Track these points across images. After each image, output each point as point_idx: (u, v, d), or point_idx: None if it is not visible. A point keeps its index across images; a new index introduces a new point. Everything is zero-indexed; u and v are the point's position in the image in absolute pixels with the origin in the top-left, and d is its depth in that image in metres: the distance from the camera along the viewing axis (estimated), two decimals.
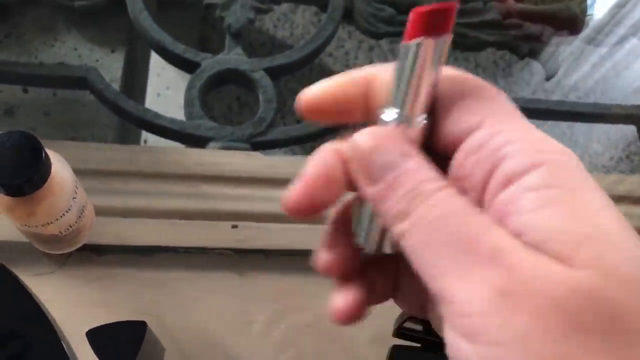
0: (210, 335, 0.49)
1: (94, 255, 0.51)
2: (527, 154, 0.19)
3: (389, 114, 0.21)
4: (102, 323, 0.38)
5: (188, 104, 0.61)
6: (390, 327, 0.37)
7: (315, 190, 0.22)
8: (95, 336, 0.33)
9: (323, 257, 0.24)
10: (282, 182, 0.55)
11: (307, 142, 0.62)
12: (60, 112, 0.61)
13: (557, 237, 0.18)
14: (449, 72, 0.22)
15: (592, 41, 0.83)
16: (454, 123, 0.21)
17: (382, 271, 0.25)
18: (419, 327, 0.36)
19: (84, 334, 0.35)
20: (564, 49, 0.77)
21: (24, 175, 0.34)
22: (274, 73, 0.63)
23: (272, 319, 0.50)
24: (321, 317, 0.50)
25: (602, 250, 0.18)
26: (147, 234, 0.51)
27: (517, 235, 0.19)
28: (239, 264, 0.52)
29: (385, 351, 0.43)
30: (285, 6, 1.02)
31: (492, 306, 0.18)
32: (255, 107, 0.64)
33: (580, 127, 1.05)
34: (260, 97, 0.62)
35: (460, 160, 0.21)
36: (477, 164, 0.20)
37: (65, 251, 0.45)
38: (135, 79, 0.80)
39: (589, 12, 0.71)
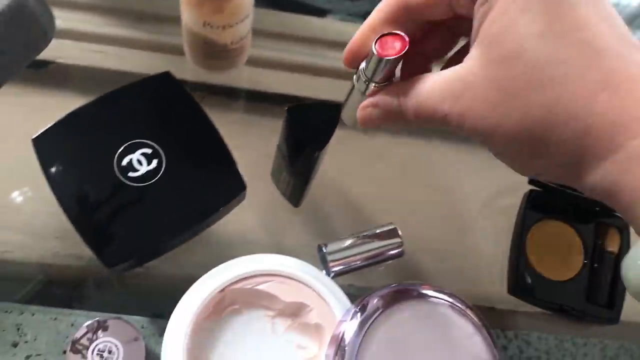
0: (336, 183, 0.52)
1: (229, 99, 0.54)
2: None
3: None
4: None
5: None
6: None
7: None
8: (294, 112, 0.36)
9: None
10: None
11: None
12: None
13: None
14: None
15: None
16: None
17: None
18: None
19: None
20: None
21: None
22: None
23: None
24: None
25: None
26: (280, 84, 0.54)
27: None
28: None
29: None
30: None
31: None
32: None
33: None
34: None
35: None
36: None
37: (221, 70, 0.47)
38: None
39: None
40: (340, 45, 0.58)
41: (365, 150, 0.54)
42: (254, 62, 0.54)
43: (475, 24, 0.27)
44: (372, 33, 0.31)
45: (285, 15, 0.59)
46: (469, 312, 0.40)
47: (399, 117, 0.30)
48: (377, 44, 0.36)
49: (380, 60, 0.37)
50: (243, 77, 0.54)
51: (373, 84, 0.40)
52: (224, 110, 0.53)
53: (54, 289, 0.45)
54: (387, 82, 0.34)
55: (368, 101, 0.32)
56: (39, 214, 0.47)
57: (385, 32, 0.34)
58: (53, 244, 0.46)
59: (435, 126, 0.28)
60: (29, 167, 0.41)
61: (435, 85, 0.27)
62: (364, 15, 0.62)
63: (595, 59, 0.23)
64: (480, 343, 0.39)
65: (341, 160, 0.54)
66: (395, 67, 0.40)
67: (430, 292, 0.40)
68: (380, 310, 0.39)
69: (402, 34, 0.35)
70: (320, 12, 0.62)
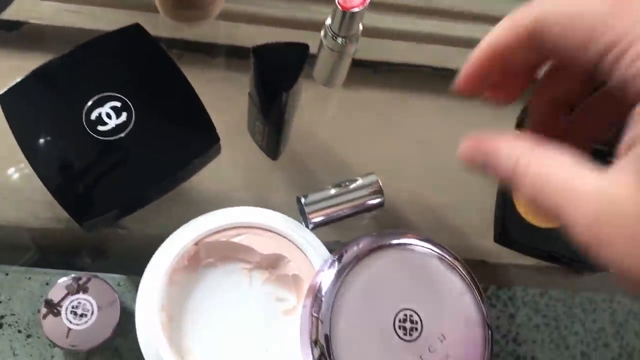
0: (318, 138, 0.51)
1: (208, 57, 0.52)
2: None
3: None
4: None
5: None
6: None
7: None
8: (260, 52, 0.34)
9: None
10: (384, 4, 0.57)
11: None
12: None
13: None
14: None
15: None
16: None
17: None
18: None
19: None
20: None
21: None
22: None
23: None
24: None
25: None
26: (259, 38, 0.53)
27: None
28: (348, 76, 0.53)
29: None
30: None
31: None
32: None
33: None
34: None
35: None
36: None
37: (194, 21, 0.46)
38: None
39: None
40: None
41: (345, 102, 0.53)
42: (231, 16, 0.53)
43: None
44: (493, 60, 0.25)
45: None
46: (458, 265, 0.39)
47: (504, 180, 0.24)
48: None
49: (344, 13, 0.36)
50: (221, 32, 0.53)
51: (340, 39, 0.39)
52: (202, 67, 0.52)
53: (33, 252, 0.45)
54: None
55: (478, 141, 0.25)
56: (14, 176, 0.46)
57: None
58: (31, 207, 0.46)
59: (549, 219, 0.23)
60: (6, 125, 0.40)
61: (571, 190, 0.21)
62: None
63: None
64: (470, 302, 0.38)
65: (320, 113, 0.52)
66: (360, 19, 0.39)
67: (414, 241, 0.39)
68: (359, 259, 0.37)
69: None
70: None
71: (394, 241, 0.38)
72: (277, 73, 0.35)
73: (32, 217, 0.46)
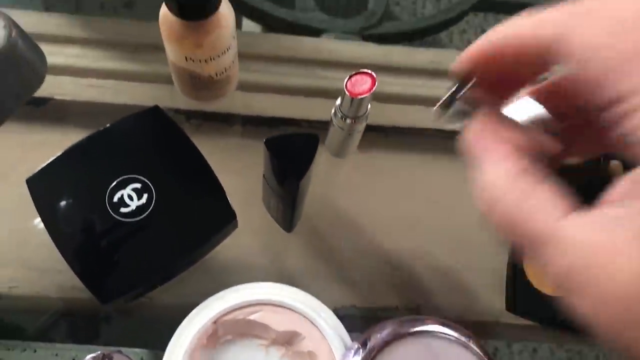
0: (333, 203, 0.53)
1: (225, 125, 0.54)
2: None
3: None
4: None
5: None
6: None
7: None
8: (272, 144, 0.36)
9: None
10: (395, 69, 0.58)
11: (418, 37, 0.64)
12: None
13: None
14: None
15: None
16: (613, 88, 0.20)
17: None
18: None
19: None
20: None
21: None
22: None
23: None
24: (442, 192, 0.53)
25: None
26: (275, 107, 0.55)
27: None
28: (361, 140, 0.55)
29: None
30: None
31: None
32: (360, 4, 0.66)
33: None
34: None
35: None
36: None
37: (210, 100, 0.48)
38: None
39: None
40: (335, 64, 0.58)
41: (357, 165, 0.54)
42: (247, 86, 0.55)
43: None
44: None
45: (278, 36, 0.60)
46: (471, 344, 0.39)
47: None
48: (348, 83, 0.37)
49: (352, 99, 0.38)
50: (237, 102, 0.55)
51: (349, 119, 0.41)
52: (220, 136, 0.54)
53: (59, 321, 0.47)
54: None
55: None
56: (42, 248, 0.48)
57: (354, 72, 0.35)
58: (58, 277, 0.48)
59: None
60: (31, 203, 0.42)
61: (572, 253, 0.20)
62: (358, 32, 0.63)
63: None
64: None
65: (335, 177, 0.54)
66: (368, 103, 0.41)
67: (437, 328, 0.40)
68: (383, 346, 0.39)
69: (371, 73, 0.35)
70: (314, 32, 0.62)
71: (417, 328, 0.39)
72: (289, 163, 0.36)
73: (56, 287, 0.47)
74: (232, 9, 0.42)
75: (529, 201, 0.21)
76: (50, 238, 0.41)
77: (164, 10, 0.41)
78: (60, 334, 0.46)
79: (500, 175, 0.22)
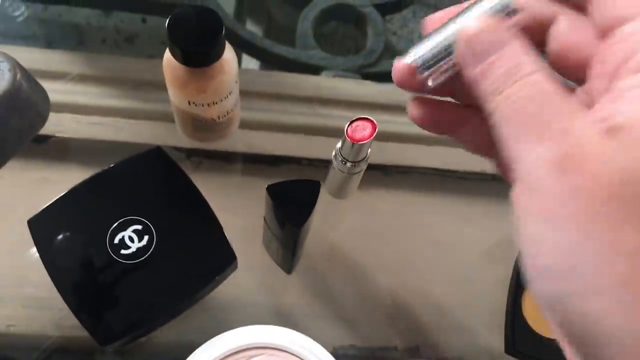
0: (332, 243, 0.53)
1: (225, 163, 0.55)
2: None
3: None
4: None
5: (301, 34, 0.64)
6: None
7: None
8: (274, 191, 0.36)
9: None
10: (394, 108, 0.59)
11: None
12: None
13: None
14: None
15: None
16: (608, 11, 0.21)
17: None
18: None
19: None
20: None
21: (209, 44, 0.38)
22: (382, 9, 0.66)
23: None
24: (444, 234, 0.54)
25: None
26: (275, 145, 0.55)
27: (604, 119, 0.19)
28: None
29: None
30: None
31: (546, 180, 0.19)
32: (359, 43, 0.67)
33: None
34: (370, 31, 0.65)
35: (604, 48, 0.21)
36: (617, 51, 0.20)
37: (212, 141, 0.49)
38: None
39: None
40: (335, 102, 0.59)
41: (359, 205, 0.54)
42: (247, 124, 0.55)
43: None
44: None
45: (278, 74, 0.61)
46: None
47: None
48: (349, 129, 0.38)
49: (353, 144, 0.38)
50: (238, 141, 0.55)
51: (349, 163, 0.42)
52: (221, 174, 0.54)
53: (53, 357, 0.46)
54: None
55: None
56: (42, 286, 0.48)
57: (355, 118, 0.35)
58: (57, 315, 0.47)
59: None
60: (31, 241, 0.42)
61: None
62: (358, 70, 0.63)
63: None
64: None
65: (334, 216, 0.54)
66: (368, 147, 0.41)
67: None
68: None
69: (372, 119, 0.36)
70: (314, 70, 0.62)
71: None
72: (290, 209, 0.36)
73: (54, 326, 0.47)
74: (234, 54, 0.43)
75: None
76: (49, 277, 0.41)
77: (167, 55, 0.41)
78: None
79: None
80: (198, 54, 0.39)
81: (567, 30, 0.23)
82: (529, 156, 0.19)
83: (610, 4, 0.21)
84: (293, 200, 0.36)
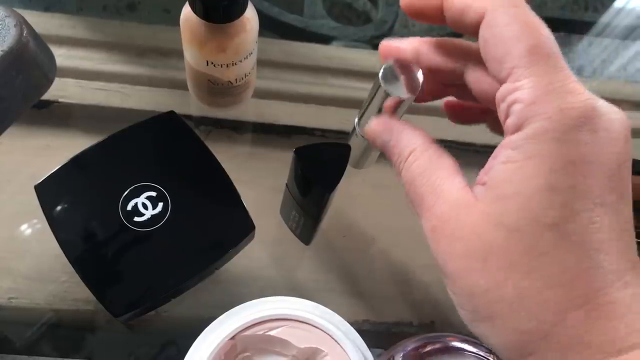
0: (348, 216, 0.51)
1: (235, 133, 0.53)
2: (523, 114, 0.23)
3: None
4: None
5: (310, 3, 0.62)
6: None
7: None
8: (303, 153, 0.35)
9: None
10: None
11: None
12: (179, 9, 0.63)
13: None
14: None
15: None
16: (493, 70, 0.25)
17: None
18: None
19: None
20: None
21: None
22: None
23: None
24: None
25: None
26: (287, 115, 0.53)
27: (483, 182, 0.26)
28: None
29: None
30: None
31: (430, 242, 0.28)
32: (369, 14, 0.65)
33: None
34: (381, 1, 0.63)
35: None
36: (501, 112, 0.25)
37: (226, 107, 0.47)
38: None
39: None
40: (345, 72, 0.57)
41: (376, 178, 0.53)
42: (259, 94, 0.53)
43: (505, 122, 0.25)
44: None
45: (289, 43, 0.59)
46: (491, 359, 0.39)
47: (391, 162, 0.30)
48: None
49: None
50: (249, 110, 0.53)
51: None
52: (231, 144, 0.52)
53: (61, 333, 0.44)
54: None
55: (390, 124, 0.30)
56: (45, 257, 0.46)
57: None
58: (60, 287, 0.45)
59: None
60: (37, 209, 0.40)
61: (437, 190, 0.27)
62: (369, 41, 0.62)
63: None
64: None
65: (350, 189, 0.53)
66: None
67: (456, 344, 0.39)
68: None
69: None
70: (324, 39, 0.61)
71: (439, 346, 0.38)
72: (319, 173, 0.35)
73: (60, 300, 0.45)
74: (256, 12, 0.41)
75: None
76: (55, 246, 0.39)
77: (186, 11, 0.39)
78: (62, 346, 0.44)
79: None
80: (221, 7, 0.36)
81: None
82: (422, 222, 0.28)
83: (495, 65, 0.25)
84: (323, 163, 0.34)
